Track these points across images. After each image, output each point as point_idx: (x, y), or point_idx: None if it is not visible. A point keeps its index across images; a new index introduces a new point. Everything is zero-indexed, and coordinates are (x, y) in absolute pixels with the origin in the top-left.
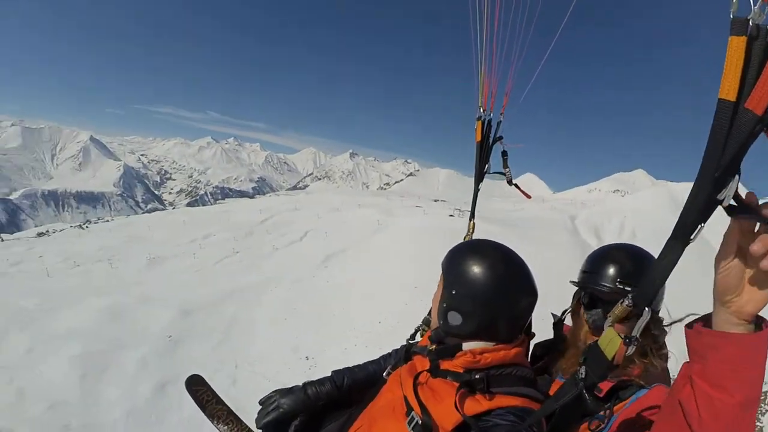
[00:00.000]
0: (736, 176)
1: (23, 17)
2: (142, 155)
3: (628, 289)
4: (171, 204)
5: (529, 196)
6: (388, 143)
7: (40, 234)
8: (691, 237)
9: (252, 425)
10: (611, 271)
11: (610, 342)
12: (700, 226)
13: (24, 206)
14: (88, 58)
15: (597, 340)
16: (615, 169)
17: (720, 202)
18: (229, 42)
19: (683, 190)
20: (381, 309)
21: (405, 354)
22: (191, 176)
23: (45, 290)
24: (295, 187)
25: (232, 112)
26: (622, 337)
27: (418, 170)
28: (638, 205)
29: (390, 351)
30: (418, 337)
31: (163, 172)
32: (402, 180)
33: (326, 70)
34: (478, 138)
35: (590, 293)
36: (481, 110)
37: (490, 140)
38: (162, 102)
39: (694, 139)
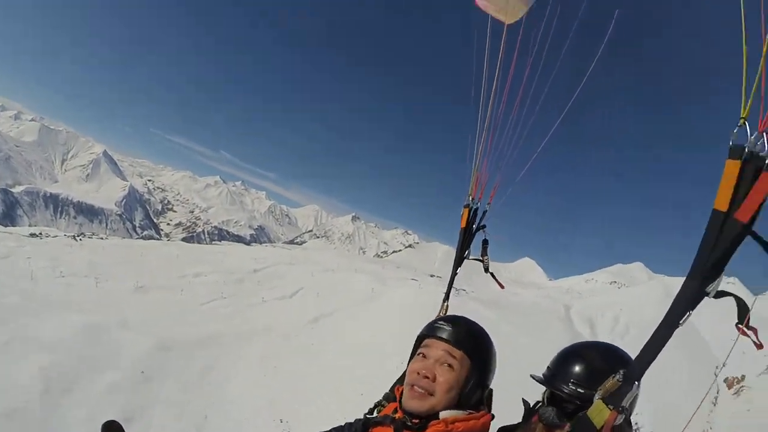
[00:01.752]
0: (722, 274)
1: (60, 22)
2: (149, 180)
3: (581, 391)
4: (167, 235)
5: (502, 287)
6: (391, 212)
7: (33, 235)
8: (680, 322)
9: None
10: (571, 373)
11: (600, 413)
12: (688, 313)
13: (23, 202)
14: (117, 74)
15: (585, 411)
16: (614, 260)
17: (707, 294)
18: (251, 93)
19: (678, 284)
20: (364, 378)
21: (362, 427)
22: (192, 212)
23: (27, 292)
24: (292, 242)
25: (245, 157)
26: (611, 408)
27: (418, 243)
28: (634, 299)
29: (343, 424)
30: (375, 413)
31: (166, 201)
32: (400, 250)
33: (340, 133)
34: (463, 224)
35: (551, 391)
36: (470, 198)
37: (474, 228)
38: (178, 132)
39: (693, 236)
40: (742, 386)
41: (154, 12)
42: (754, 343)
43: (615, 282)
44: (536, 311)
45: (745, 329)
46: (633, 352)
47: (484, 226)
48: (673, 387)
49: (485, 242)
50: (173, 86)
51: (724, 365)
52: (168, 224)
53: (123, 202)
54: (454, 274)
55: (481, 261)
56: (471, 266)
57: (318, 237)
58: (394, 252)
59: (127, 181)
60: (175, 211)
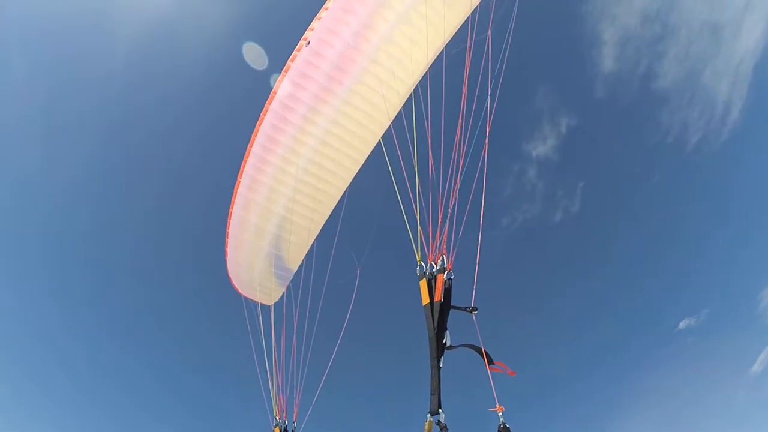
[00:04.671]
0: (447, 331)
1: None
2: None
3: None
4: None
5: None
6: None
7: None
8: (440, 365)
9: None
10: None
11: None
12: (442, 357)
13: None
14: None
15: None
16: None
17: (445, 345)
18: None
19: None
20: None
21: None
22: None
23: None
24: None
25: None
26: (437, 421)
27: None
28: None
29: None
30: None
31: None
32: None
33: None
34: None
35: None
36: (277, 419)
37: None
38: None
39: None
40: None
41: None
42: (507, 373)
43: None
44: None
45: (493, 368)
46: None
47: None
48: None
49: None
50: None
51: None
52: None
53: None
54: None
55: None
56: None
57: None
58: None
59: None
60: None
